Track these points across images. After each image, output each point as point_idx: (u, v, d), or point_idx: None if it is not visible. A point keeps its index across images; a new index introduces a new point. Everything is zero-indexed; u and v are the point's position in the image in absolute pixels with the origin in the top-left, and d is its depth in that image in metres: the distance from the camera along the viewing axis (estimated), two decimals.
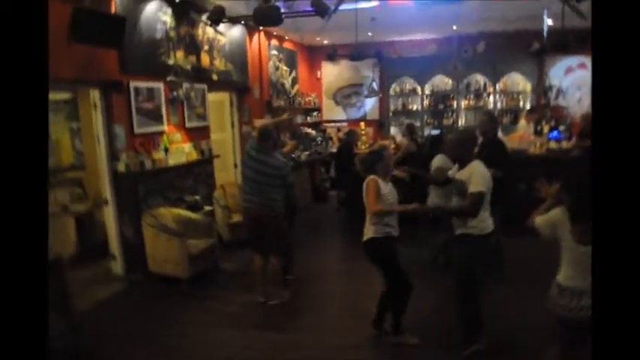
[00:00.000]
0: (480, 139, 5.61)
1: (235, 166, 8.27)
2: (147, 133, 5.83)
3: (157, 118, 6.01)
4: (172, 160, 6.15)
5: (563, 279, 2.72)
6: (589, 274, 2.39)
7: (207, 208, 6.46)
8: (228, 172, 8.19)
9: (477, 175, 3.45)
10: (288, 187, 4.89)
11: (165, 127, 6.16)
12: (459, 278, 3.68)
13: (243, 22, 7.54)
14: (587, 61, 9.95)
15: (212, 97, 7.48)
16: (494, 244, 3.67)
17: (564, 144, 7.86)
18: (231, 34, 7.75)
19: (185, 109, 6.57)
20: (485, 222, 3.54)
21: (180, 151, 6.39)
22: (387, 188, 3.73)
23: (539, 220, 2.82)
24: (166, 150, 6.08)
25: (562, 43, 7.13)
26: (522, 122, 9.05)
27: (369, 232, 3.80)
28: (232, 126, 8.32)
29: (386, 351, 3.92)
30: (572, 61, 10.00)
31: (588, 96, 10.08)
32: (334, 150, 9.50)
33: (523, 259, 5.49)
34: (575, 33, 7.92)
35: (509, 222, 4.96)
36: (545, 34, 7.72)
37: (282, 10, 4.56)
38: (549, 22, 7.74)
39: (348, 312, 4.81)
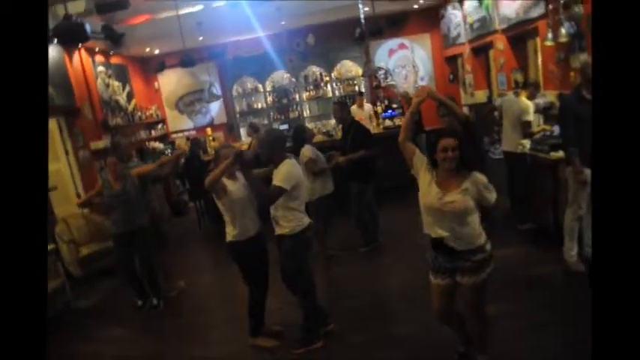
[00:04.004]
0: (340, 126, 6.00)
1: (79, 196, 7.62)
2: None
3: None
4: None
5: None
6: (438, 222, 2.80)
7: (50, 246, 5.87)
8: (70, 204, 7.51)
9: (280, 173, 3.56)
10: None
11: None
12: (286, 275, 3.76)
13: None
14: (405, 41, 10.94)
15: None
16: (311, 238, 3.84)
17: (397, 120, 8.59)
18: None
19: None
20: (294, 222, 3.64)
21: None
22: (234, 185, 3.71)
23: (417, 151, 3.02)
24: None
25: (376, 28, 7.73)
26: (354, 108, 9.43)
27: (227, 234, 3.79)
28: (67, 153, 7.66)
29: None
30: (393, 43, 10.91)
31: (412, 72, 11.11)
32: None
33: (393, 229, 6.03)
34: (386, 18, 8.62)
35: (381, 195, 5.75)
36: (362, 20, 8.31)
37: (87, 28, 4.17)
38: (365, 9, 8.35)
39: (225, 321, 4.76)
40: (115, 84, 9.36)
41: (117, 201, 4.76)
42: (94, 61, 8.62)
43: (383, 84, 10.90)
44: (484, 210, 2.85)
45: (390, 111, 9.08)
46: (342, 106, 5.81)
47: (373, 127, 8.27)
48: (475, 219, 2.81)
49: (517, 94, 5.56)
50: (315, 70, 11.19)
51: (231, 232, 3.76)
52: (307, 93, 11.28)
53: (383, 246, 5.70)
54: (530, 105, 5.39)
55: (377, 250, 5.65)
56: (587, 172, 3.99)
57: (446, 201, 2.75)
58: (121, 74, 9.76)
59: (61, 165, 7.55)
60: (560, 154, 4.51)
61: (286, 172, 3.56)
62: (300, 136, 5.42)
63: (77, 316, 5.23)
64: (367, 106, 9.47)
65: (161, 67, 8.74)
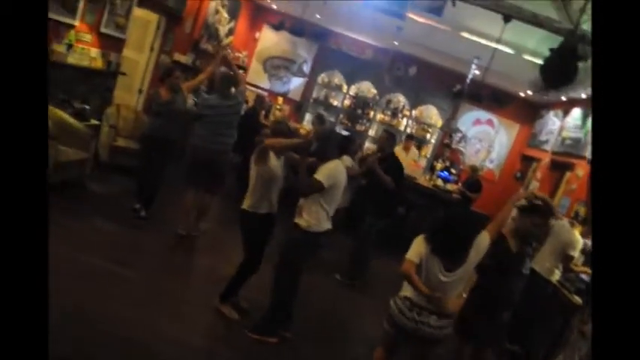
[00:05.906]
0: (378, 155, 5.99)
1: (140, 91, 7.84)
2: (53, 19, 5.27)
3: (70, 8, 5.48)
4: (73, 60, 5.67)
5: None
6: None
7: (94, 122, 6.04)
8: (130, 94, 7.73)
9: (325, 168, 3.56)
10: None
11: (77, 22, 5.66)
12: (279, 261, 3.77)
13: None
14: (495, 120, 10.82)
15: (139, 12, 7.01)
16: (320, 244, 3.79)
17: (449, 186, 8.48)
18: None
19: (105, 12, 6.08)
20: (315, 220, 3.60)
21: (85, 53, 5.91)
22: (276, 161, 3.73)
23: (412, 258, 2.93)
24: (69, 46, 5.58)
25: (477, 94, 7.66)
26: (398, 148, 8.20)
27: (244, 201, 3.81)
28: (152, 50, 7.87)
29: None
30: (483, 115, 10.81)
31: (486, 150, 10.98)
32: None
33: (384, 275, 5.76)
34: (491, 90, 8.53)
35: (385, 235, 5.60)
36: (468, 80, 8.25)
37: None
38: (476, 72, 8.30)
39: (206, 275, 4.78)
40: (224, 15, 9.56)
41: (163, 109, 4.98)
42: None
43: (453, 145, 10.80)
44: None
45: (447, 173, 8.98)
46: (390, 137, 5.89)
47: (424, 180, 8.19)
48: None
49: (572, 225, 5.41)
50: (400, 99, 11.17)
51: (247, 201, 3.80)
52: (382, 116, 11.27)
53: (364, 284, 5.56)
54: (580, 241, 5.23)
55: (355, 286, 5.52)
56: None
57: None
58: (234, 9, 9.96)
59: (142, 57, 7.76)
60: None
61: (331, 169, 3.57)
62: (348, 145, 5.34)
63: (82, 194, 5.35)
64: (413, 152, 9.13)
65: (280, 25, 8.90)
